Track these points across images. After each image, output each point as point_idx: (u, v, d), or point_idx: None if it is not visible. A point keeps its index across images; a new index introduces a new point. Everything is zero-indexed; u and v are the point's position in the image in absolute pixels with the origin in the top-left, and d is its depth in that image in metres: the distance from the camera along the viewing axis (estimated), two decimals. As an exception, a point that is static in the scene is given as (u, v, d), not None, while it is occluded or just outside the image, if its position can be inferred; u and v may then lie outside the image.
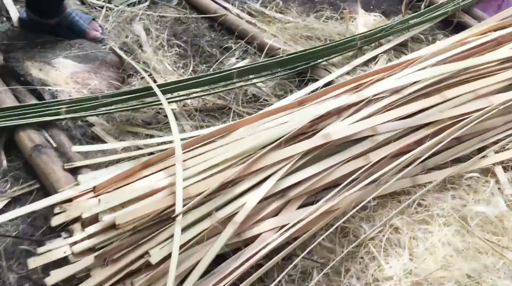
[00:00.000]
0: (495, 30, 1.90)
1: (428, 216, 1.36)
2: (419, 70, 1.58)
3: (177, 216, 1.14)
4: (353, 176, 1.32)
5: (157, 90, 1.52)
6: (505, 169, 1.54)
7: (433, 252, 1.26)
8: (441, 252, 1.26)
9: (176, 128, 1.35)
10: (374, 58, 1.91)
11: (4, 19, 1.92)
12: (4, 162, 1.43)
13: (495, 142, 1.58)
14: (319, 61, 1.85)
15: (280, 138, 1.34)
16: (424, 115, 1.50)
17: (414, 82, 1.52)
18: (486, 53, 1.70)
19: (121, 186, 1.27)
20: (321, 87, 1.75)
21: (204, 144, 1.38)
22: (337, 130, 1.36)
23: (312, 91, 1.73)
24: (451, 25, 2.08)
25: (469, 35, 1.83)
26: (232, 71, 1.67)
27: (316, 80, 1.80)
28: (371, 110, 1.44)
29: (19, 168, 1.43)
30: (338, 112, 1.45)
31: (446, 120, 1.51)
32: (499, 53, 1.67)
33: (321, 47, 1.80)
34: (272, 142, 1.33)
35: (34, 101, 1.58)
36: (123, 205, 1.19)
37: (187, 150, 1.35)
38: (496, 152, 1.56)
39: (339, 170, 1.36)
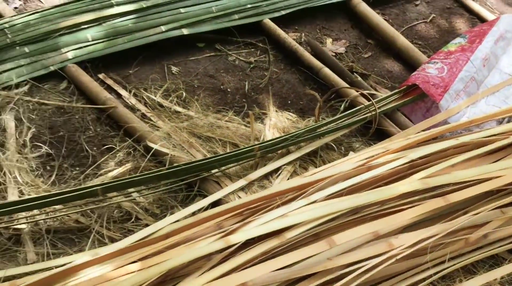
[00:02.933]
0: (419, 144, 1.72)
1: None
2: (310, 204, 1.36)
3: None
4: None
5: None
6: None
7: None
8: None
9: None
10: (277, 169, 1.69)
11: None
12: None
13: (395, 293, 1.36)
14: (212, 172, 1.62)
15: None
16: (308, 263, 1.26)
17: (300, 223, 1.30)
18: (394, 183, 1.49)
19: None
20: (209, 206, 1.52)
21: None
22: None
23: (200, 210, 1.50)
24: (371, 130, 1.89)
25: (380, 153, 1.63)
26: (95, 187, 1.41)
27: (205, 195, 1.57)
28: (240, 260, 1.20)
29: None
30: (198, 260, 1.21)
31: (335, 269, 1.28)
32: (407, 184, 1.47)
33: (211, 159, 1.57)
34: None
35: None
36: None
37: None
38: (396, 305, 1.35)
39: None
